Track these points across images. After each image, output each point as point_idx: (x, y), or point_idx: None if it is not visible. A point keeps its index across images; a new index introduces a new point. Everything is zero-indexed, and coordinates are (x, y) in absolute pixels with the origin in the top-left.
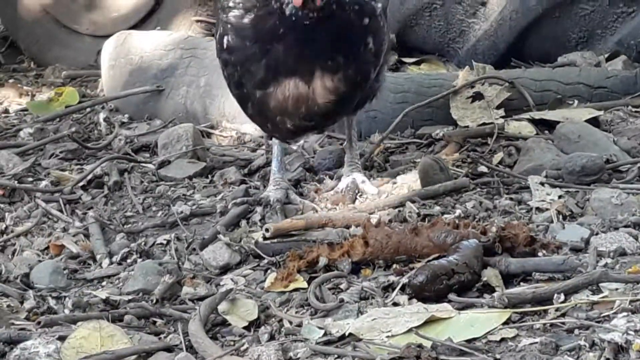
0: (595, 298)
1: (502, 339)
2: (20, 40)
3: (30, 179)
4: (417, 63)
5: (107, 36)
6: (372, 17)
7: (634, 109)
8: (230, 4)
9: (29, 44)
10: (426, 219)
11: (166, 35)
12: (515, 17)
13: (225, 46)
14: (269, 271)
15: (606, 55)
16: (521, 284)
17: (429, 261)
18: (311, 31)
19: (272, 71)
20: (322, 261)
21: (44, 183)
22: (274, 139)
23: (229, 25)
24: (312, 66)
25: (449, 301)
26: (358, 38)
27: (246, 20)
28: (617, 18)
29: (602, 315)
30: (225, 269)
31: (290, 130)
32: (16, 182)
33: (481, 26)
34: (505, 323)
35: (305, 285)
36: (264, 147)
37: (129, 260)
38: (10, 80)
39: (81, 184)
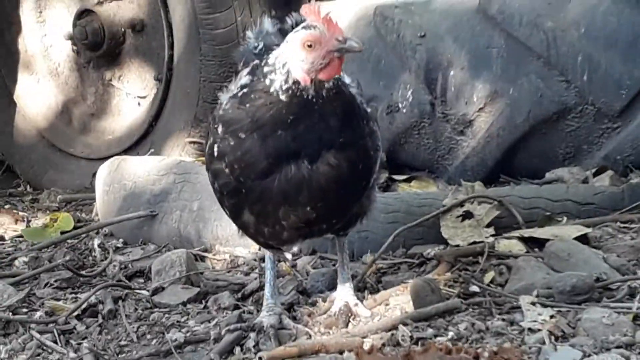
0: None
1: None
2: (16, 165)
3: (25, 310)
4: (408, 180)
5: (102, 159)
6: (368, 121)
7: (622, 225)
8: (221, 112)
9: (24, 168)
10: (419, 342)
11: (159, 161)
12: (502, 134)
13: (216, 153)
14: None
15: (593, 171)
16: None
17: None
18: (320, 110)
19: (274, 157)
20: None
21: (38, 314)
22: (266, 258)
23: (219, 130)
24: (318, 145)
25: None
26: (360, 118)
27: (234, 112)
28: (603, 133)
29: None
30: None
31: (290, 228)
32: (10, 313)
33: (469, 143)
34: None
35: None
36: (257, 270)
37: None
38: (7, 206)
39: (75, 313)
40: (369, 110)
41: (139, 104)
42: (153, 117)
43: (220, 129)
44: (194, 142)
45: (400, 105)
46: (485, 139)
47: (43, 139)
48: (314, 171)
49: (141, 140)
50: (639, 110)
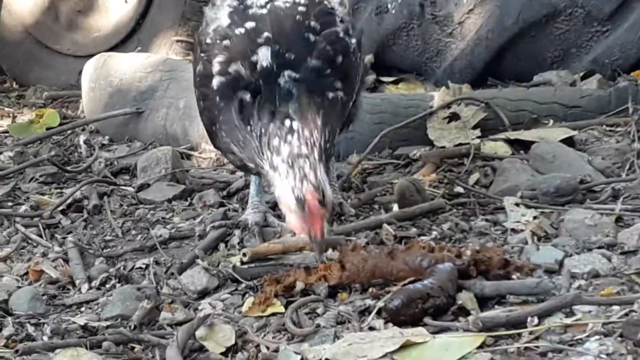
0: (569, 321)
1: None
2: (2, 61)
3: (10, 204)
4: (395, 82)
5: (89, 56)
6: (346, 54)
7: (608, 128)
8: (208, 41)
9: (11, 64)
10: (403, 241)
11: (145, 58)
12: (491, 36)
13: (215, 86)
14: (246, 295)
15: (581, 74)
16: (496, 306)
17: (404, 285)
18: None
19: None
20: (299, 286)
21: (23, 208)
22: None
23: (215, 69)
24: None
25: (425, 325)
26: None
27: (231, 71)
28: (592, 37)
29: (575, 338)
30: (203, 294)
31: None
32: None
33: (458, 45)
34: (480, 347)
35: (282, 309)
36: None
37: (107, 285)
38: None
39: (61, 208)
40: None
41: (126, 1)
42: (140, 14)
43: (215, 70)
44: (181, 41)
45: (389, 6)
46: (474, 41)
47: (29, 36)
48: None
49: (128, 38)
50: (628, 14)
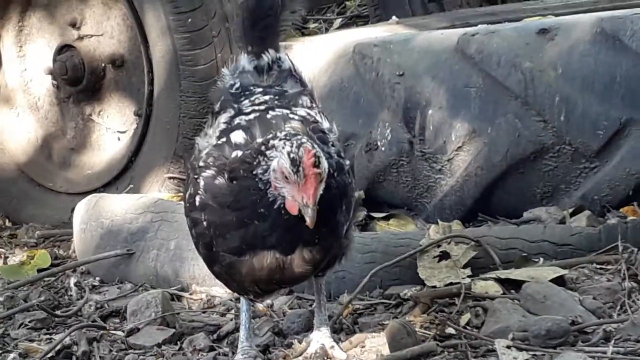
0: None
1: None
2: None
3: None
4: (386, 218)
5: (82, 194)
6: (341, 174)
7: (598, 266)
8: (201, 164)
9: (3, 202)
10: None
11: (136, 199)
12: (480, 173)
13: (197, 204)
14: None
15: (570, 210)
16: None
17: None
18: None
19: (249, 244)
20: None
21: (12, 355)
22: (242, 299)
23: (201, 185)
24: (295, 243)
25: None
26: (337, 208)
27: (220, 182)
28: (580, 173)
29: None
30: None
31: (259, 293)
32: None
33: (447, 182)
34: None
35: None
36: (233, 311)
37: None
38: None
39: (50, 355)
40: (347, 162)
41: (118, 138)
42: (133, 152)
43: (201, 186)
44: (173, 178)
45: (379, 144)
46: (464, 177)
47: (22, 174)
48: (289, 263)
49: (121, 175)
50: (616, 151)
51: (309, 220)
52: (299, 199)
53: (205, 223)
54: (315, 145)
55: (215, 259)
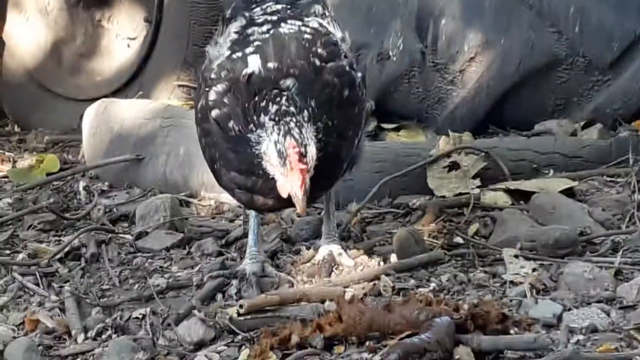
0: None
1: None
2: (4, 104)
3: (8, 252)
4: (397, 129)
5: (91, 100)
6: (352, 87)
7: (608, 179)
8: (213, 76)
9: (13, 108)
10: (401, 293)
11: (146, 104)
12: (492, 84)
13: (213, 117)
14: (242, 347)
15: (582, 123)
16: None
17: (401, 339)
18: None
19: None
20: (294, 339)
21: (21, 256)
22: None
23: (211, 98)
24: None
25: None
26: (338, 163)
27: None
28: (593, 86)
29: None
30: (199, 345)
31: (267, 208)
32: None
33: (459, 93)
34: None
35: None
36: (241, 217)
37: (104, 336)
38: None
39: (58, 256)
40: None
41: (128, 45)
42: (142, 59)
43: (211, 99)
44: (182, 86)
45: (390, 53)
46: (475, 89)
47: (32, 79)
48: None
49: (130, 82)
50: (629, 63)
51: (298, 208)
52: (288, 187)
53: (215, 136)
54: (303, 130)
55: (222, 173)
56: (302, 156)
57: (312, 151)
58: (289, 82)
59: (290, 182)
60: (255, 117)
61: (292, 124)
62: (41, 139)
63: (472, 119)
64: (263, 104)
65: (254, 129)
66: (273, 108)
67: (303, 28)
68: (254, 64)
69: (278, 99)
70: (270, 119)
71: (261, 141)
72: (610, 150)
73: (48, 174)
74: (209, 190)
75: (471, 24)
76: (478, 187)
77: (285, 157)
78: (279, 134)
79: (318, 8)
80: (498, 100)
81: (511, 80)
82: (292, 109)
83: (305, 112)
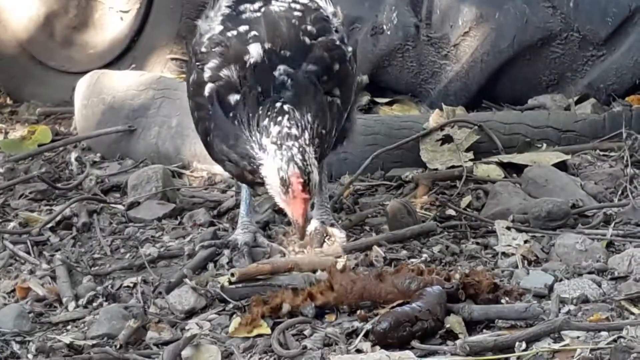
0: (557, 346)
1: None
2: None
3: None
4: (390, 103)
5: (83, 73)
6: (342, 62)
7: (601, 153)
8: (204, 49)
9: (5, 79)
10: (392, 264)
11: (138, 76)
12: (486, 59)
13: (207, 93)
14: (234, 316)
15: (576, 98)
16: (484, 331)
17: (392, 307)
18: None
19: None
20: (285, 307)
21: (12, 224)
22: None
23: (206, 76)
24: None
25: (412, 348)
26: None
27: (225, 73)
28: (587, 61)
29: None
30: (190, 313)
31: (258, 183)
32: None
33: (453, 68)
34: None
35: (268, 331)
36: (233, 188)
37: (94, 304)
38: None
39: (50, 225)
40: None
41: (121, 18)
42: (135, 32)
43: (207, 75)
44: (175, 59)
45: (384, 27)
46: (469, 63)
47: (24, 51)
48: None
49: (123, 56)
50: (624, 39)
51: (298, 234)
52: (289, 212)
53: (208, 111)
54: (306, 156)
55: (214, 145)
56: (305, 185)
57: (314, 179)
58: (282, 68)
59: (292, 210)
60: (258, 136)
61: (294, 150)
62: (33, 111)
63: (466, 94)
64: (265, 122)
65: (255, 147)
66: (275, 130)
67: (293, 5)
68: (255, 51)
69: (280, 118)
70: (272, 142)
71: (262, 163)
72: (603, 125)
73: (40, 145)
74: (201, 161)
75: None
76: (471, 160)
77: (288, 185)
78: (282, 160)
79: None
80: (492, 75)
81: (505, 55)
82: (294, 131)
83: (306, 133)
